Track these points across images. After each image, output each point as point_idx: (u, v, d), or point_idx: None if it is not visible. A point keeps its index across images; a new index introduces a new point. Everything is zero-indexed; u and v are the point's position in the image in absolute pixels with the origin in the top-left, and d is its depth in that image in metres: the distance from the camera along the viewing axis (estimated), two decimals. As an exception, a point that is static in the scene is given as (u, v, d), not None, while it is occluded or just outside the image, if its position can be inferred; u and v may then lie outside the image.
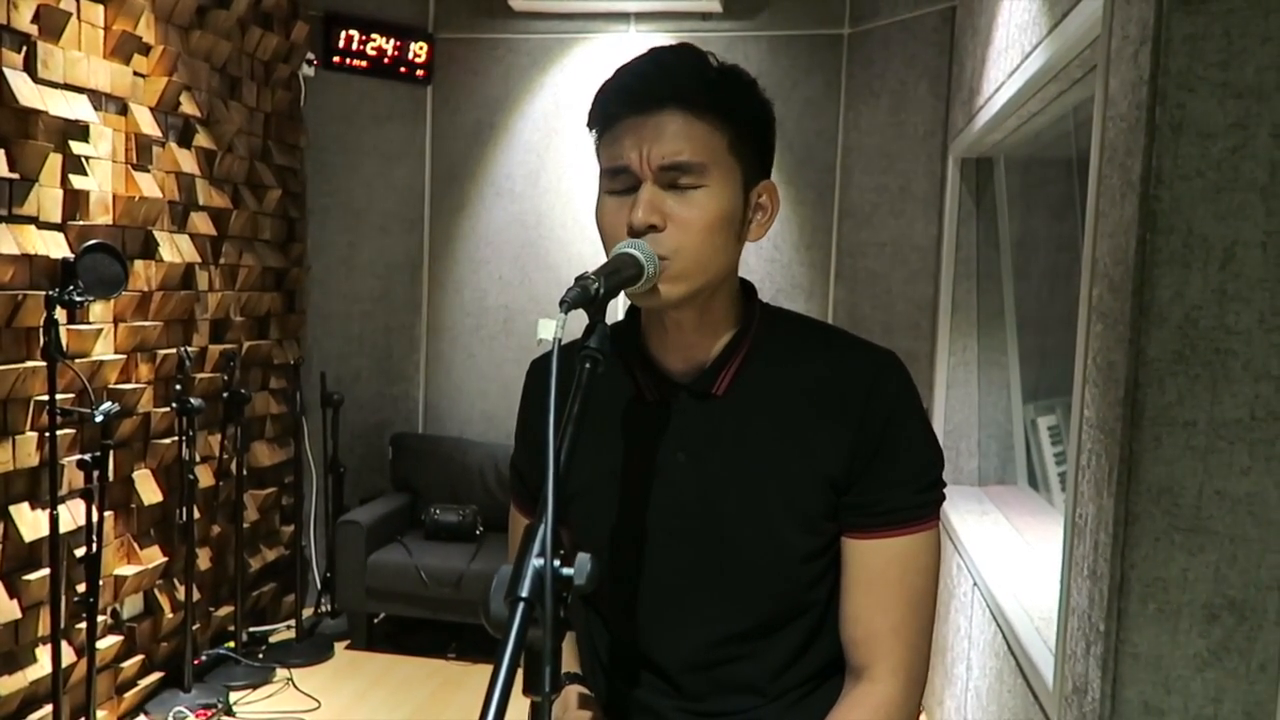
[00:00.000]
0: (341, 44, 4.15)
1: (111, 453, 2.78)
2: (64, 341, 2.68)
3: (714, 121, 0.99)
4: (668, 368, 1.09)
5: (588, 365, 0.86)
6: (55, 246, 2.74)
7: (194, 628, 3.35)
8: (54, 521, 2.62)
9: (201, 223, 3.47)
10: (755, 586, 1.06)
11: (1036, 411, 3.08)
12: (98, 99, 2.94)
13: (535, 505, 0.81)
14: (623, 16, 4.14)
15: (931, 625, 1.08)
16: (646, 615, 1.10)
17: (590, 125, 1.05)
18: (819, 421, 1.04)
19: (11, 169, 2.59)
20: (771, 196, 1.06)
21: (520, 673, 0.71)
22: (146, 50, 3.16)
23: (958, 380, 3.27)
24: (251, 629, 3.86)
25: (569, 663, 1.19)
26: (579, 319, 0.86)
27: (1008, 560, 2.45)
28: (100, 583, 2.76)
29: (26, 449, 2.68)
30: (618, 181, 1.01)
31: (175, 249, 3.31)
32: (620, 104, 1.00)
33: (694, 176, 0.98)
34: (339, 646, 3.88)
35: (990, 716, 2.24)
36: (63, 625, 2.68)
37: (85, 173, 2.87)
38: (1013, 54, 2.32)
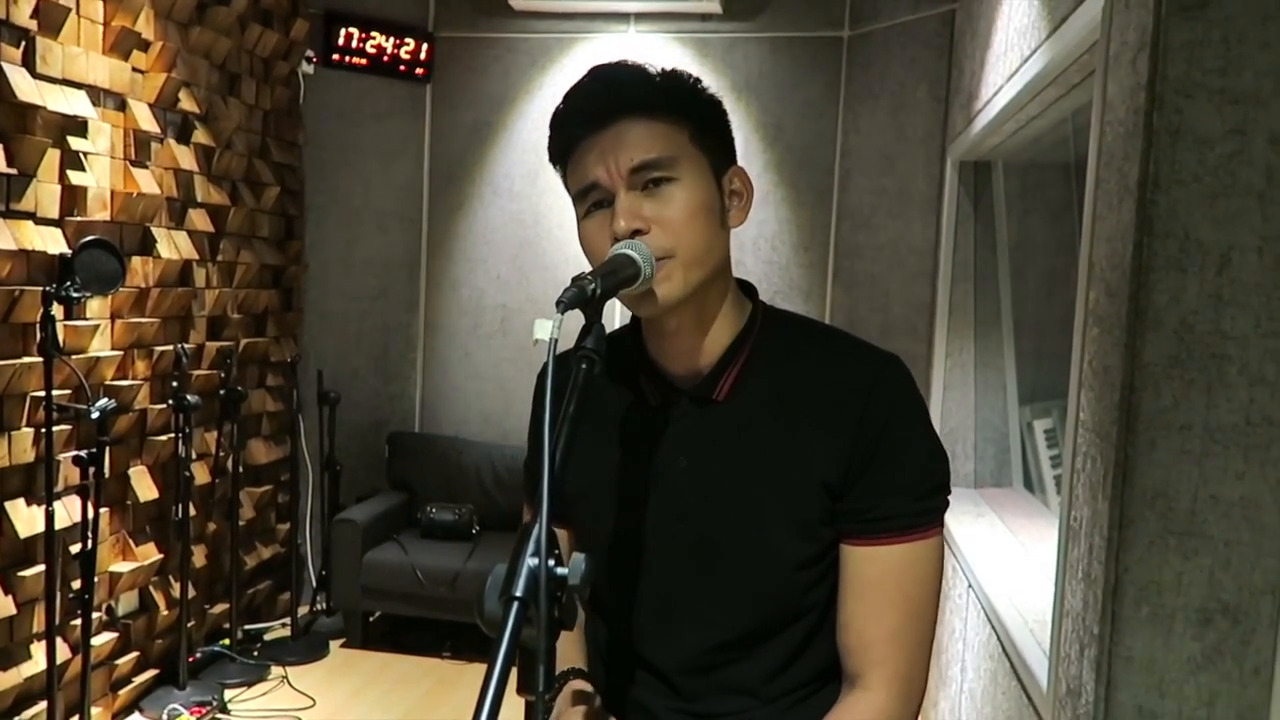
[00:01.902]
0: (341, 42, 4.15)
1: (107, 449, 2.78)
2: (60, 337, 2.67)
3: (670, 119, 1.01)
4: (670, 373, 1.09)
5: (584, 365, 0.86)
6: (52, 242, 2.73)
7: (189, 625, 3.35)
8: (49, 518, 2.62)
9: (199, 219, 3.47)
10: (750, 591, 1.06)
11: (1032, 414, 3.08)
12: (96, 95, 2.94)
13: None
14: (623, 17, 4.14)
15: (931, 636, 1.05)
16: (645, 617, 1.10)
17: (552, 158, 1.06)
18: (817, 426, 1.03)
19: (9, 164, 2.59)
20: (743, 180, 1.07)
21: (515, 672, 0.71)
22: (146, 46, 3.16)
23: (954, 382, 3.27)
24: (247, 626, 3.86)
25: (570, 659, 1.19)
26: (576, 320, 0.86)
27: (1003, 562, 2.45)
28: (95, 579, 2.75)
29: (22, 445, 2.67)
30: (591, 200, 1.02)
31: (173, 246, 3.31)
32: (577, 125, 1.02)
33: (665, 170, 0.99)
34: (334, 644, 3.88)
35: (984, 718, 2.24)
36: (57, 622, 2.67)
37: (83, 168, 2.87)
38: (1011, 58, 2.33)
